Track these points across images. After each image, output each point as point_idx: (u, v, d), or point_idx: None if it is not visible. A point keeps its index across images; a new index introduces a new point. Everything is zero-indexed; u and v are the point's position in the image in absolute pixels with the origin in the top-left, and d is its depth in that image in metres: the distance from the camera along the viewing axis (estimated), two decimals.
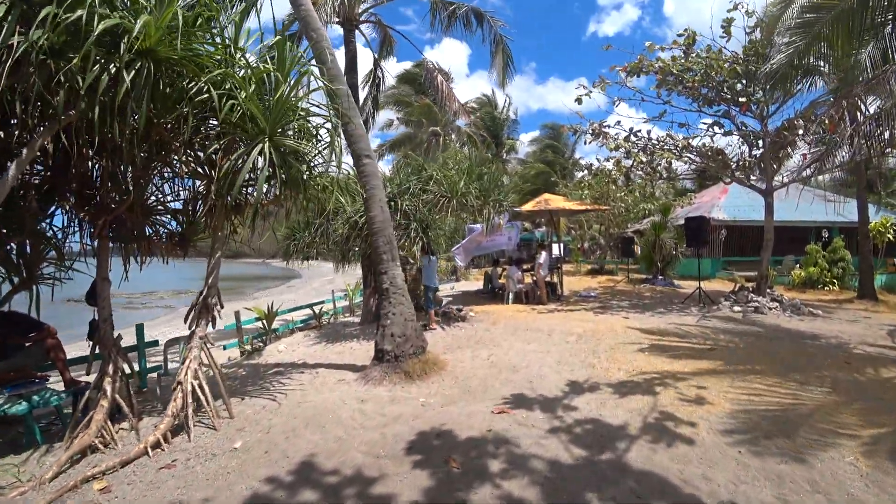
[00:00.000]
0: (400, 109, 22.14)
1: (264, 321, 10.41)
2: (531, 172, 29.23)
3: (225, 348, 9.62)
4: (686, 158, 11.31)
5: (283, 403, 5.74)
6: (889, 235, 15.89)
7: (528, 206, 12.90)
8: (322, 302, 12.85)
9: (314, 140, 5.95)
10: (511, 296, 12.47)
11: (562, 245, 26.20)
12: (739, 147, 11.54)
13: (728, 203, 20.98)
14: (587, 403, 5.11)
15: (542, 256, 12.12)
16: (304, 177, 5.69)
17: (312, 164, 6.04)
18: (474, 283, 19.79)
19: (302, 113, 5.71)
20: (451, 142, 22.20)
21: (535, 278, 13.46)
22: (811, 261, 15.87)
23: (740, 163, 11.30)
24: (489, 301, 13.07)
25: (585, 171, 20.07)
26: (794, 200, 22.77)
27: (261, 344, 10.12)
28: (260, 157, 4.82)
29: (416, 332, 6.75)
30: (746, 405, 4.91)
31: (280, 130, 5.35)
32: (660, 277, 16.42)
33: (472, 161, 9.65)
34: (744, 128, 11.60)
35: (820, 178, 22.07)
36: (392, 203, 8.61)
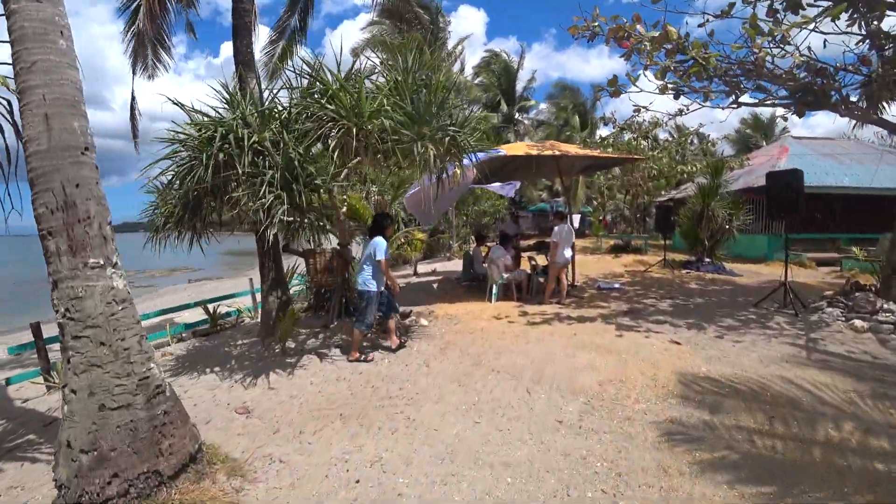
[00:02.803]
0: (380, 50, 17.26)
1: None
2: (546, 134, 23.95)
3: (9, 382, 5.55)
4: (781, 67, 6.31)
5: None
6: None
7: (517, 149, 8.11)
8: (229, 297, 8.76)
9: None
10: (495, 289, 8.05)
11: (579, 216, 21.35)
12: (869, 51, 6.48)
13: (792, 165, 15.68)
14: None
15: (558, 230, 7.54)
16: None
17: None
18: None
19: None
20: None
21: (534, 266, 8.98)
22: None
23: (873, 77, 6.22)
24: (469, 295, 8.68)
25: (609, 119, 15.14)
26: (868, 165, 17.36)
27: None
28: None
29: (148, 430, 2.49)
30: None
31: None
32: (707, 260, 11.61)
33: (410, 69, 5.11)
34: (874, 24, 6.54)
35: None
36: (239, 140, 4.27)
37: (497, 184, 9.88)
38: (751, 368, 4.34)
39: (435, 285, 10.22)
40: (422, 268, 13.05)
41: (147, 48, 7.47)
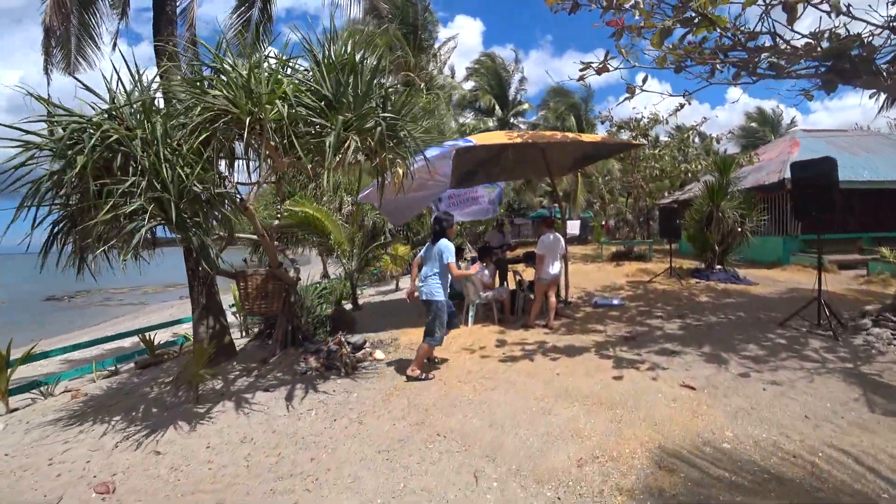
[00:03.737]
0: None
1: None
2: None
3: None
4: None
5: None
6: None
7: (493, 138, 6.89)
8: (174, 323, 7.63)
9: None
10: (472, 311, 6.81)
11: (579, 222, 20.01)
12: None
13: (804, 159, 14.28)
14: None
15: (544, 241, 6.31)
16: None
17: None
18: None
19: None
20: (434, 97, 16.19)
21: (520, 282, 7.73)
22: None
23: None
24: None
25: (605, 117, 13.96)
26: (886, 157, 15.88)
27: None
28: None
29: None
30: None
31: None
32: (717, 267, 10.27)
33: (335, 45, 3.94)
34: None
35: None
36: (92, 138, 3.14)
37: (476, 205, 8.80)
38: (795, 431, 3.06)
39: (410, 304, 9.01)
40: (405, 283, 11.85)
41: (54, 43, 6.45)
